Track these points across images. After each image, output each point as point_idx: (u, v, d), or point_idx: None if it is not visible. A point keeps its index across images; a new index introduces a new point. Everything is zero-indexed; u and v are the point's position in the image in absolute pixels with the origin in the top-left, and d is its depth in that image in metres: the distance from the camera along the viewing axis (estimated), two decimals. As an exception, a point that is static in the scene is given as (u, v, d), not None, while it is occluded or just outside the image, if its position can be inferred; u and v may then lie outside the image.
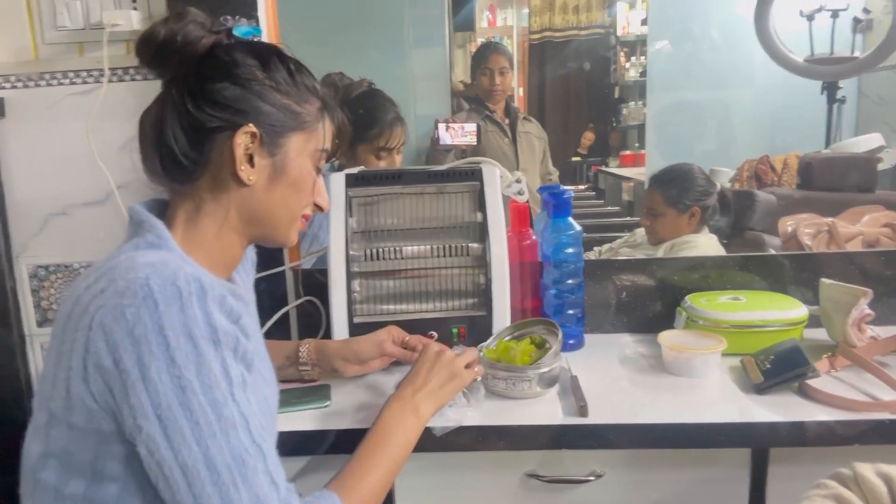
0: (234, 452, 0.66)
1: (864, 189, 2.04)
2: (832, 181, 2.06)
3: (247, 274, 0.98)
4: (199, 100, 0.77)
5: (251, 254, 1.01)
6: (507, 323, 1.26)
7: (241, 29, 0.81)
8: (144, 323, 0.64)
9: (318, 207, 0.88)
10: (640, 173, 2.82)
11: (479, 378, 1.04)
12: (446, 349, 1.02)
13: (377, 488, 0.84)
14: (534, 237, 1.35)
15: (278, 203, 0.82)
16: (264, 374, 0.86)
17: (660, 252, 1.74)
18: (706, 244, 1.74)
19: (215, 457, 0.65)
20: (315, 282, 1.32)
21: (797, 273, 1.40)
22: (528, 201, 1.35)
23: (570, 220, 1.31)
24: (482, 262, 1.26)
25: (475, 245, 1.27)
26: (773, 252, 1.62)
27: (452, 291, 1.28)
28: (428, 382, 0.96)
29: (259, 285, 1.08)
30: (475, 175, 1.29)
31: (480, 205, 1.28)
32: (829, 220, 1.53)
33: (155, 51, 0.77)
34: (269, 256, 1.34)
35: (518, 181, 1.33)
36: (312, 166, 0.84)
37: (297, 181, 0.82)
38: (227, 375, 0.67)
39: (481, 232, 1.27)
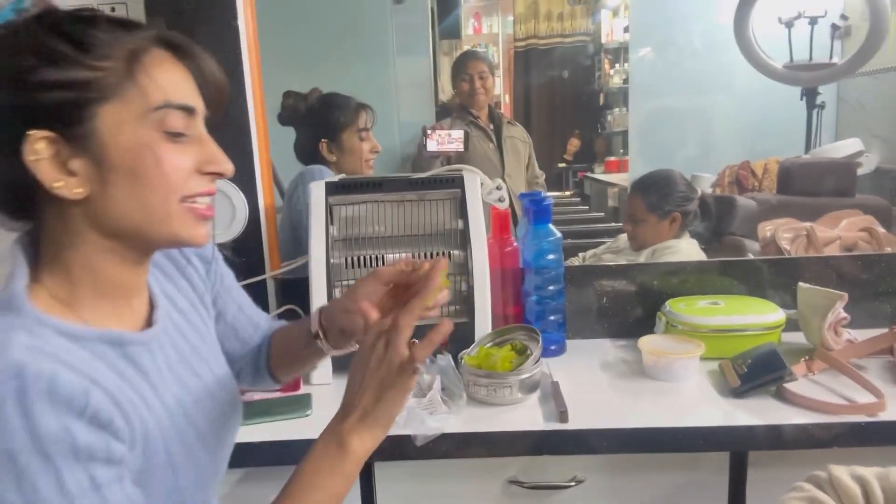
0: None
1: (844, 193, 2.06)
2: (811, 186, 2.08)
3: (186, 280, 0.82)
4: None
5: (202, 253, 0.85)
6: (489, 329, 1.26)
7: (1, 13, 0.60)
8: None
9: (215, 175, 0.67)
10: (625, 179, 2.83)
11: (426, 365, 0.82)
12: (372, 348, 0.69)
13: None
14: (515, 244, 1.36)
15: (131, 202, 0.62)
16: (190, 412, 0.72)
17: (642, 258, 1.76)
18: (687, 249, 1.76)
19: None
20: (296, 290, 1.31)
21: (776, 277, 1.41)
22: (508, 207, 1.36)
23: (551, 226, 1.32)
24: (464, 269, 1.27)
25: (457, 252, 1.27)
26: (752, 257, 1.63)
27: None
28: (359, 402, 0.69)
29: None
30: (456, 182, 1.29)
31: (462, 212, 1.28)
32: (808, 224, 1.54)
33: None
34: (249, 265, 1.34)
35: (499, 188, 1.33)
36: (155, 135, 0.62)
37: (133, 167, 0.61)
38: (63, 490, 0.55)
39: (462, 239, 1.28)
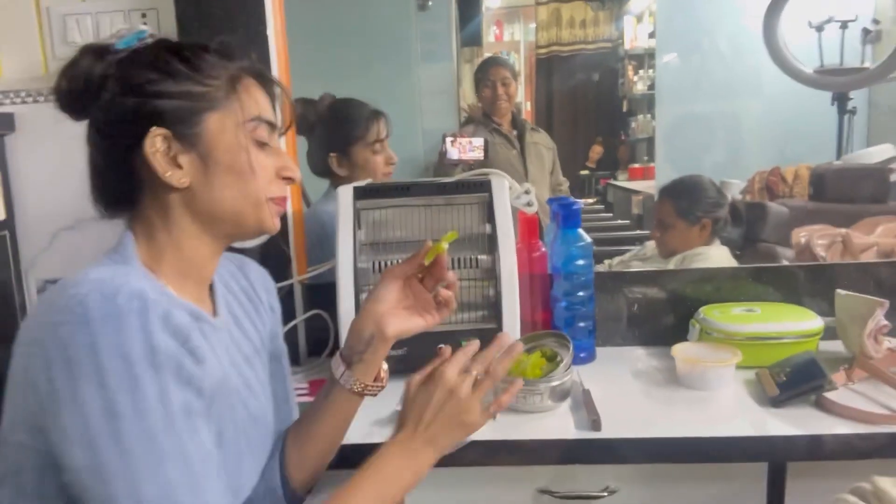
0: (163, 487, 0.60)
1: (878, 200, 2.02)
2: (845, 192, 2.04)
3: (256, 314, 0.91)
4: (102, 127, 0.74)
5: (268, 298, 0.94)
6: (518, 336, 1.24)
7: (124, 41, 0.75)
8: (77, 343, 0.60)
9: (288, 179, 0.80)
10: (650, 186, 2.80)
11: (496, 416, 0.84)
12: (461, 384, 0.78)
13: None
14: (543, 249, 1.34)
15: (225, 194, 0.75)
16: (239, 401, 0.79)
17: (671, 265, 1.73)
18: (717, 256, 1.73)
19: (141, 490, 0.60)
20: (324, 295, 1.31)
21: (811, 284, 1.38)
22: (537, 213, 1.34)
23: (580, 231, 1.30)
24: (492, 275, 1.25)
25: (484, 257, 1.26)
26: (786, 263, 1.60)
27: (462, 304, 1.27)
28: (432, 427, 0.77)
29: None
30: (484, 187, 1.28)
31: (489, 216, 1.27)
32: (843, 230, 1.51)
33: (70, 104, 0.74)
34: (277, 270, 1.33)
35: (527, 192, 1.32)
36: (248, 141, 0.75)
37: (232, 164, 0.74)
38: (165, 402, 0.62)
39: (490, 244, 1.26)
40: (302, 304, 1.39)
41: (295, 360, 1.37)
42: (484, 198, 1.28)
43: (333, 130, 1.66)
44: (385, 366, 0.89)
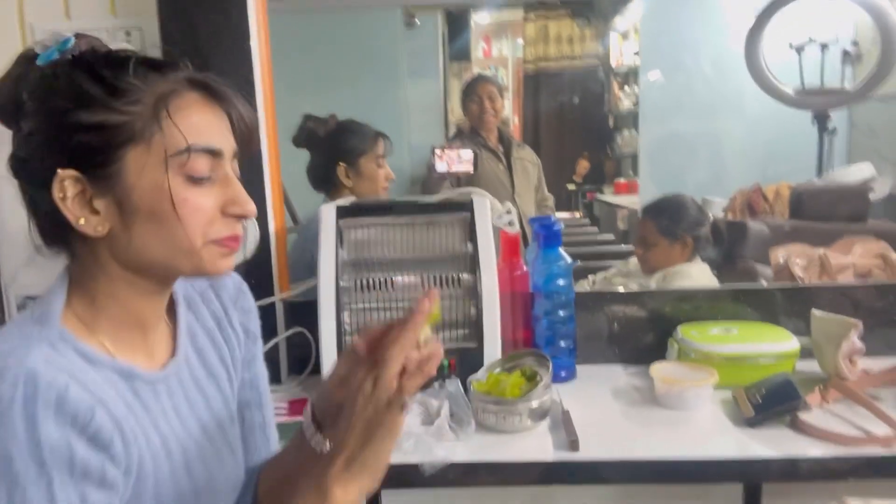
0: None
1: (856, 219, 2.05)
2: (824, 211, 2.07)
3: (223, 340, 0.80)
4: (13, 163, 0.64)
5: (242, 319, 0.83)
6: (498, 355, 1.25)
7: (45, 54, 0.64)
8: None
9: (237, 217, 0.67)
10: (635, 202, 2.83)
11: (435, 390, 0.73)
12: (365, 382, 0.64)
13: None
14: (525, 268, 1.35)
15: (149, 243, 0.64)
16: (187, 457, 0.70)
17: (653, 282, 1.75)
18: (698, 274, 1.75)
19: None
20: (305, 313, 1.31)
21: (789, 305, 1.40)
22: (519, 231, 1.35)
23: (561, 250, 1.31)
24: (473, 293, 1.26)
25: (466, 276, 1.27)
26: (764, 283, 1.61)
27: (443, 322, 1.27)
28: (344, 446, 0.63)
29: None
30: (466, 206, 1.29)
31: (471, 235, 1.28)
32: (821, 250, 1.53)
33: (2, 118, 0.64)
34: (259, 287, 1.34)
35: (508, 212, 1.33)
36: (177, 179, 0.63)
37: (153, 209, 0.63)
38: (52, 500, 0.55)
39: (472, 263, 1.27)
40: (284, 321, 1.39)
41: (276, 378, 1.37)
42: (466, 217, 1.29)
43: (344, 143, 1.75)
44: None
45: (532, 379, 1.17)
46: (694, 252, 1.77)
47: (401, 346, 0.63)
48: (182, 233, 0.64)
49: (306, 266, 1.47)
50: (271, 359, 1.36)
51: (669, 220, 1.76)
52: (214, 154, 0.65)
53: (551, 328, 1.32)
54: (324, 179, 1.76)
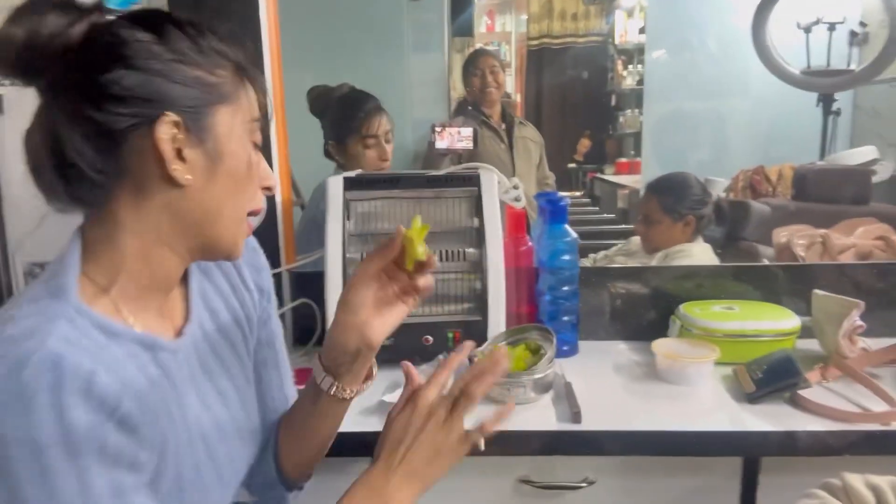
0: None
1: (859, 201, 2.05)
2: (826, 193, 2.07)
3: (237, 300, 0.81)
4: (96, 99, 0.60)
5: (255, 278, 0.84)
6: (503, 328, 1.26)
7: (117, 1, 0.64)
8: None
9: (267, 189, 0.72)
10: (636, 181, 2.83)
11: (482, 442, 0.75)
12: (438, 407, 0.71)
13: None
14: (530, 243, 1.36)
15: (222, 199, 0.65)
16: (203, 427, 0.71)
17: (654, 261, 1.75)
18: (700, 253, 1.75)
19: None
20: (311, 284, 1.32)
21: (790, 284, 1.41)
22: (524, 207, 1.36)
23: (567, 227, 1.32)
24: (478, 268, 1.27)
25: (472, 250, 1.28)
26: (766, 262, 1.62)
27: (448, 296, 1.28)
28: (407, 461, 0.69)
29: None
30: (473, 181, 1.29)
31: (478, 210, 1.28)
32: (823, 231, 1.54)
33: (17, 56, 0.60)
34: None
35: (515, 187, 1.33)
36: (249, 143, 0.68)
37: (236, 167, 0.66)
38: (86, 490, 0.54)
39: (478, 237, 1.28)
40: (290, 291, 1.40)
41: (282, 347, 1.38)
42: (473, 192, 1.29)
43: (335, 120, 1.72)
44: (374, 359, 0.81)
45: (536, 353, 1.18)
46: (696, 232, 1.77)
47: (483, 383, 0.72)
48: (246, 194, 0.68)
49: (308, 241, 1.47)
50: (277, 329, 1.38)
51: (674, 199, 1.76)
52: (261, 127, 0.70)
53: (555, 303, 1.33)
54: (328, 153, 1.77)
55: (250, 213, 0.70)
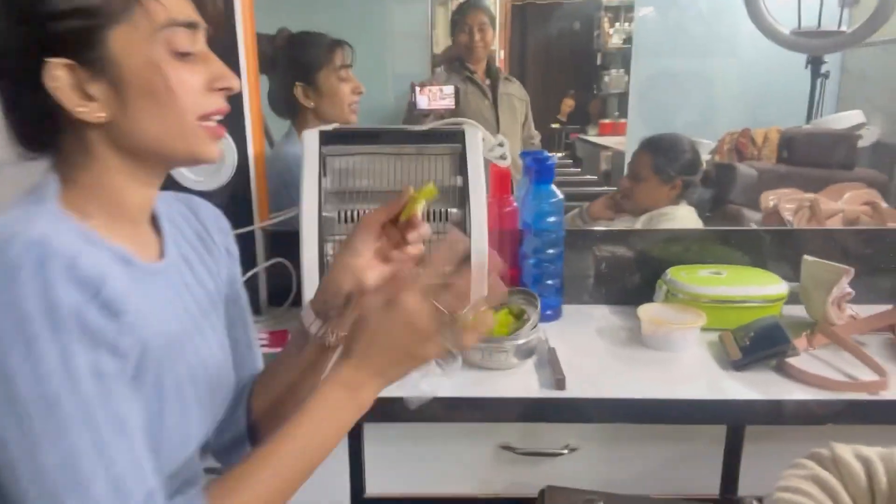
0: (65, 455, 0.54)
1: (843, 166, 2.03)
2: (812, 157, 2.04)
3: (210, 257, 0.80)
4: None
5: (223, 240, 0.83)
6: (485, 292, 1.22)
7: None
8: None
9: (223, 90, 0.67)
10: (619, 142, 2.78)
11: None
12: (422, 315, 0.66)
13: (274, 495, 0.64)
14: (515, 204, 1.31)
15: (150, 121, 0.63)
16: (186, 350, 0.70)
17: (638, 223, 1.72)
18: (684, 217, 1.72)
19: (41, 458, 0.54)
20: (286, 243, 1.26)
21: (778, 249, 1.39)
22: (510, 166, 1.31)
23: (553, 187, 1.27)
24: (461, 228, 1.22)
25: (455, 210, 1.22)
26: (755, 227, 1.60)
27: (429, 257, 1.23)
28: (380, 358, 0.67)
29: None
30: (457, 137, 1.23)
31: (461, 168, 1.23)
32: (812, 195, 1.51)
33: None
34: (237, 215, 1.28)
35: (501, 145, 1.28)
36: (164, 55, 0.62)
37: (147, 87, 0.62)
38: (68, 364, 0.55)
39: (461, 197, 1.22)
40: (263, 251, 1.34)
41: (255, 309, 1.32)
42: (456, 149, 1.23)
43: (296, 60, 1.58)
44: None
45: (520, 317, 1.15)
46: (680, 195, 1.74)
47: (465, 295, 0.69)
48: (175, 109, 0.64)
49: (276, 194, 1.40)
50: (251, 289, 1.31)
51: (665, 158, 1.73)
52: (193, 27, 0.64)
53: (539, 266, 1.29)
54: (285, 103, 1.60)
55: (209, 116, 0.66)
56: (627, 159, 1.94)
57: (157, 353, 0.64)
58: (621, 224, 1.71)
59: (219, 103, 0.67)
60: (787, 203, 1.50)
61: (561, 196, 1.28)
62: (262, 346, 1.20)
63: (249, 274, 1.30)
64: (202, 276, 0.77)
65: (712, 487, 1.07)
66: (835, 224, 1.48)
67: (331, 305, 0.77)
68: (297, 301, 1.27)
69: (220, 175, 1.17)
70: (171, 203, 0.78)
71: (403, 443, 1.07)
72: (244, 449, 0.83)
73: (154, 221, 0.74)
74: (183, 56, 0.64)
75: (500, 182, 1.30)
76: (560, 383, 1.04)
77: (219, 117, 0.67)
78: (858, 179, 1.74)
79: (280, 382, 0.82)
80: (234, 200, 1.26)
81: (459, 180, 1.23)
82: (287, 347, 0.83)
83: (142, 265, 0.67)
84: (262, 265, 1.33)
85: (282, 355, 0.84)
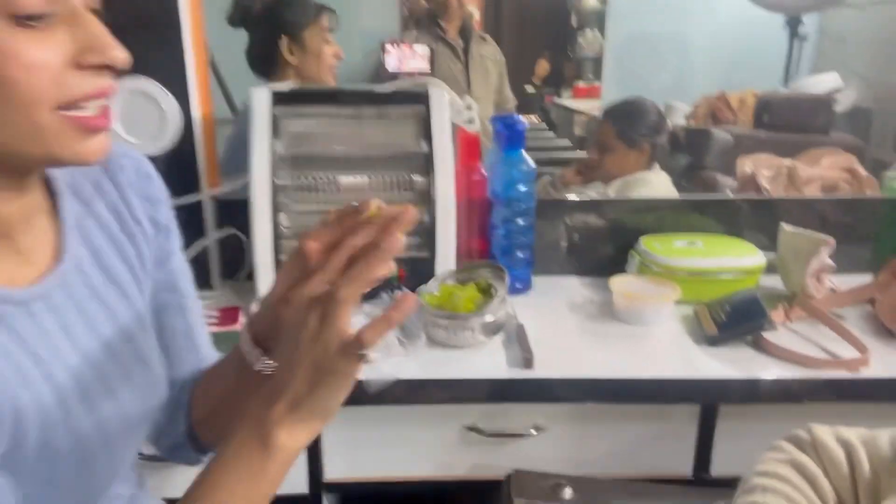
0: None
1: (819, 130, 1.99)
2: (789, 121, 2.00)
3: (125, 236, 0.65)
4: None
5: (148, 209, 0.68)
6: (452, 265, 1.16)
7: None
8: None
9: (98, 68, 0.51)
10: (594, 107, 2.71)
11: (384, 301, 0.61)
12: (310, 314, 0.51)
13: None
14: (484, 172, 1.24)
15: None
16: (73, 393, 0.56)
17: (611, 189, 1.67)
18: (657, 182, 1.67)
19: None
20: (239, 212, 1.17)
21: (754, 218, 1.34)
22: (479, 131, 1.23)
23: (524, 154, 1.20)
24: (426, 198, 1.15)
25: (419, 178, 1.15)
26: (730, 194, 1.55)
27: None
28: (289, 387, 0.52)
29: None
30: (421, 98, 1.15)
31: (426, 133, 1.15)
32: (789, 161, 1.46)
33: None
34: (184, 182, 1.19)
35: (469, 108, 1.20)
36: (2, 23, 0.46)
37: None
38: None
39: (426, 164, 1.15)
40: (214, 221, 1.25)
41: (206, 283, 1.25)
42: (420, 111, 1.16)
43: (285, 15, 1.51)
44: None
45: (487, 292, 1.09)
46: (651, 159, 1.69)
47: (355, 282, 0.50)
48: (18, 99, 0.47)
49: (244, 162, 1.32)
50: (201, 262, 1.24)
51: (628, 124, 1.67)
52: None
53: (508, 238, 1.23)
54: (265, 59, 1.54)
55: (77, 103, 0.50)
56: (602, 124, 1.88)
57: (39, 412, 0.53)
58: (594, 191, 1.65)
59: (92, 84, 0.50)
60: (764, 169, 1.45)
61: (532, 164, 1.21)
62: (213, 324, 1.13)
63: (199, 246, 1.22)
64: (114, 266, 0.64)
65: (685, 468, 1.04)
66: (813, 191, 1.44)
67: (271, 336, 0.63)
68: (251, 275, 1.19)
69: (160, 140, 1.07)
70: (83, 167, 0.61)
71: (364, 426, 1.02)
72: (186, 453, 0.75)
73: (55, 202, 0.60)
74: (28, 20, 0.47)
75: (468, 148, 1.23)
76: (528, 362, 0.99)
77: (98, 102, 0.51)
78: (835, 144, 1.70)
79: (220, 400, 0.71)
80: (179, 166, 1.17)
81: (424, 145, 1.15)
82: (223, 367, 0.71)
83: (13, 296, 0.53)
84: (212, 237, 1.24)
85: (218, 372, 0.72)
